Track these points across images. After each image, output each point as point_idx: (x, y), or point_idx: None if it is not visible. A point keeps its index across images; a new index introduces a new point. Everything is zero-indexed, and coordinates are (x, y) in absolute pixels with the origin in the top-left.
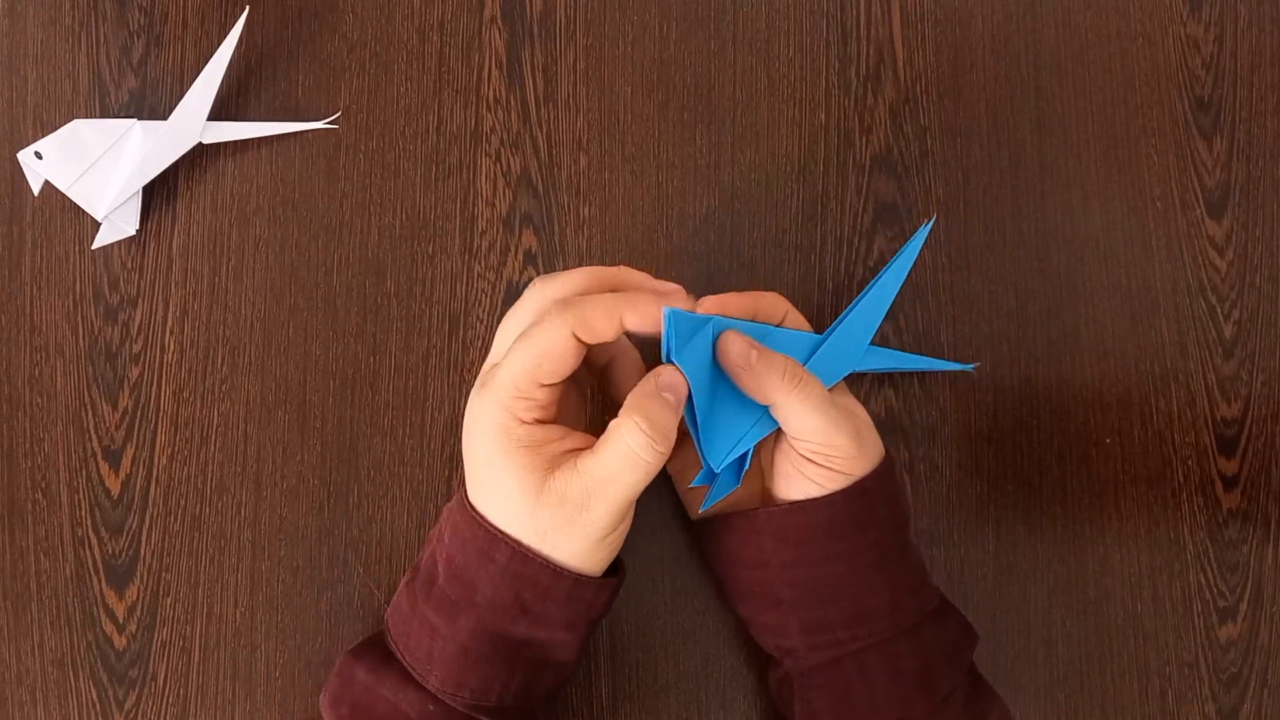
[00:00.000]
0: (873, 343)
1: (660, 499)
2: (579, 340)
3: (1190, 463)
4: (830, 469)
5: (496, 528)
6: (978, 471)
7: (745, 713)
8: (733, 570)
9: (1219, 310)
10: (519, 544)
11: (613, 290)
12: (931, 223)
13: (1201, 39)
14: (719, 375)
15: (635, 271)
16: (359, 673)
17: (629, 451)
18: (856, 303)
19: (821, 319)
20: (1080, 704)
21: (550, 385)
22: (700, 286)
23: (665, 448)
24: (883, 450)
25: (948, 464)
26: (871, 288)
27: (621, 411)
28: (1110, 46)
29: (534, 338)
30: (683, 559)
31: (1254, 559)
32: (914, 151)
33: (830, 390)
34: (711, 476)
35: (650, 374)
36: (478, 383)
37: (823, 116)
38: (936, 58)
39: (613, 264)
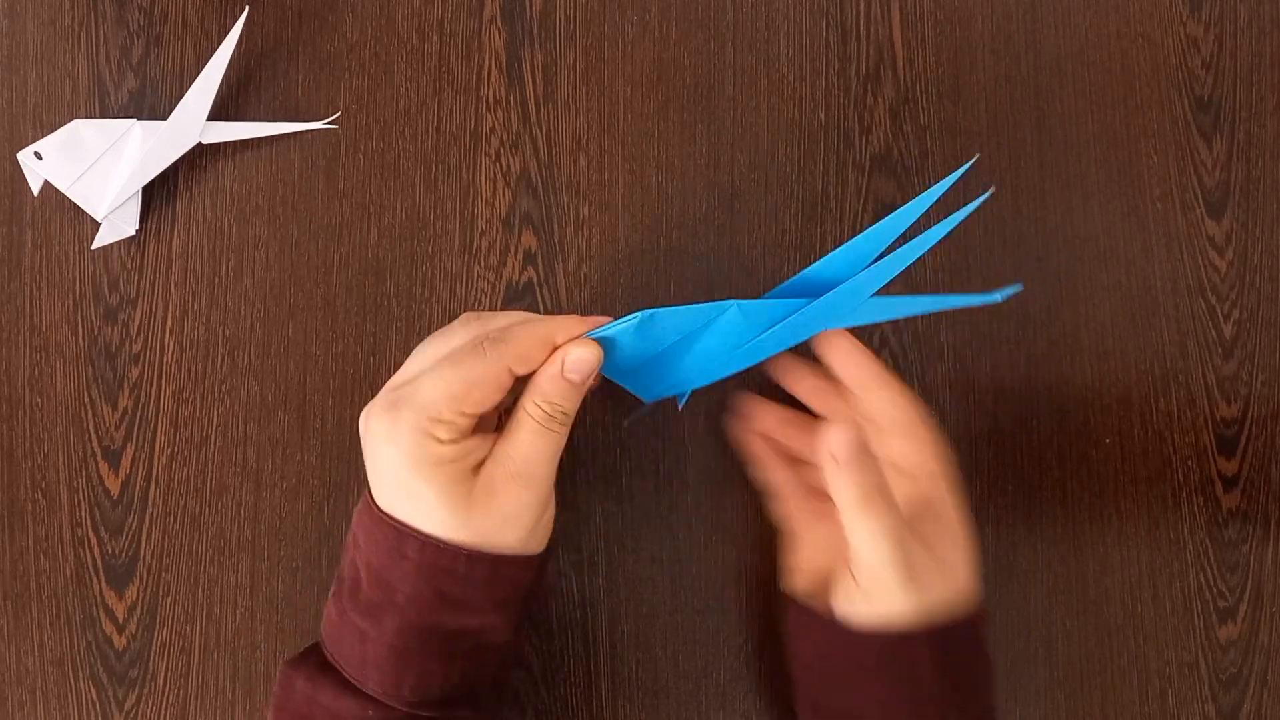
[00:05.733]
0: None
1: (661, 501)
2: (512, 374)
3: (1190, 463)
4: (866, 592)
5: (403, 523)
6: (978, 471)
7: (745, 713)
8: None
9: (1219, 310)
10: (428, 536)
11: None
12: (971, 161)
13: (1201, 39)
14: (674, 343)
15: (570, 317)
16: (298, 682)
17: (537, 427)
18: (859, 248)
19: None
20: (1080, 704)
21: (473, 415)
22: (700, 287)
23: (567, 420)
24: (957, 611)
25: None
26: (888, 226)
27: (526, 393)
28: (1110, 46)
29: (464, 364)
30: (683, 559)
31: (1254, 559)
32: (914, 151)
33: (932, 515)
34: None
35: (557, 353)
36: (385, 399)
37: (823, 116)
38: (936, 58)
39: (613, 264)
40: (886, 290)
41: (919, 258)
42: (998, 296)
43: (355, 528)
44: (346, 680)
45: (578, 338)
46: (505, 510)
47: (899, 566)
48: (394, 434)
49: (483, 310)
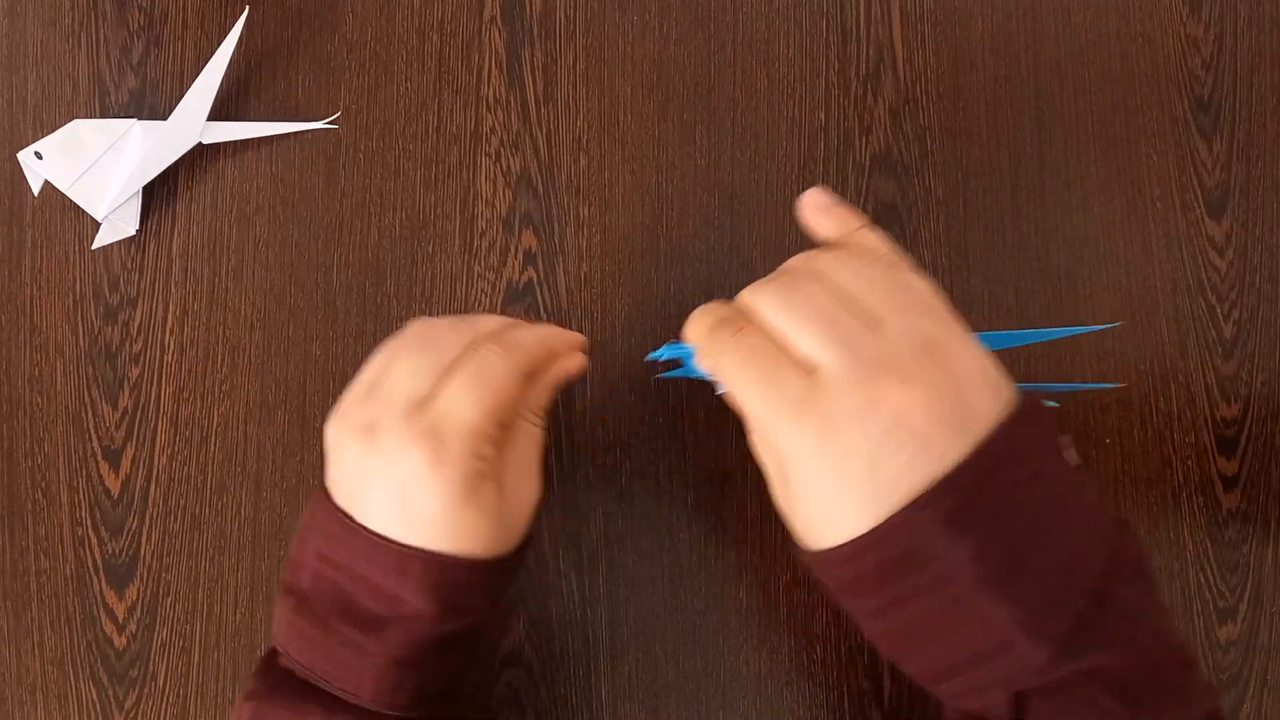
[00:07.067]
0: None
1: (661, 501)
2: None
3: (1190, 463)
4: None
5: (407, 546)
6: None
7: (745, 713)
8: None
9: (1219, 310)
10: (435, 554)
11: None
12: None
13: (1201, 39)
14: None
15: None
16: (278, 712)
17: (533, 429)
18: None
19: None
20: None
21: (505, 422)
22: (700, 286)
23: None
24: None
25: None
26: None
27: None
28: (1110, 46)
29: (489, 375)
30: (682, 559)
31: (1254, 559)
32: (914, 151)
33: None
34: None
35: (554, 368)
36: (414, 427)
37: (823, 116)
38: (936, 58)
39: (613, 264)
40: None
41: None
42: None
43: (324, 545)
44: (332, 700)
45: (576, 355)
46: (528, 511)
47: (767, 399)
48: (440, 464)
49: (431, 316)
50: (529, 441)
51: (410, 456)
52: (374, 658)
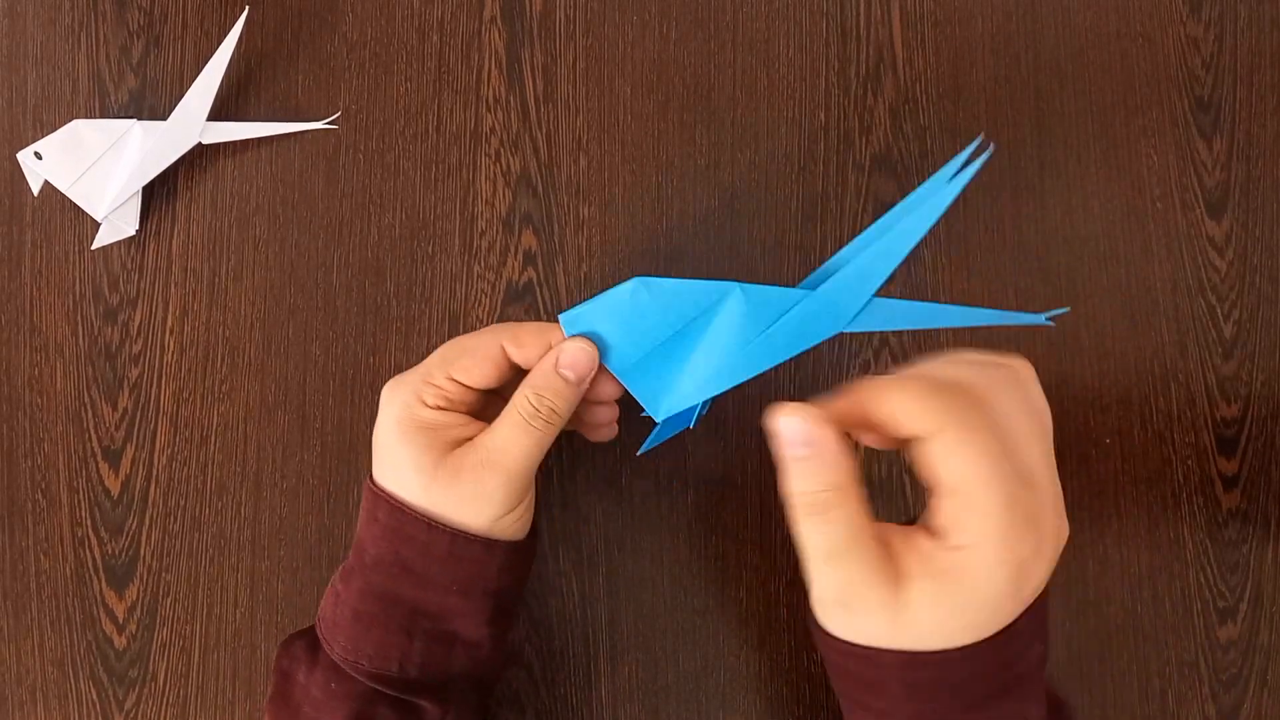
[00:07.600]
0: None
1: (661, 501)
2: (505, 354)
3: (1190, 463)
4: (954, 547)
5: (379, 487)
6: None
7: (745, 712)
8: (848, 688)
9: (1219, 310)
10: (398, 500)
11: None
12: (988, 154)
13: (1201, 39)
14: (678, 332)
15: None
16: (283, 661)
17: (519, 420)
18: (866, 239)
19: None
20: (1080, 704)
21: (462, 384)
22: None
23: (554, 418)
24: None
25: None
26: (891, 220)
27: (520, 387)
28: (1110, 46)
29: (463, 338)
30: (683, 559)
31: (1254, 559)
32: (914, 151)
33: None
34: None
35: (551, 351)
36: (399, 374)
37: (823, 116)
38: (936, 58)
39: (613, 263)
40: (889, 293)
41: (918, 247)
42: (1043, 319)
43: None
44: (319, 657)
45: (574, 336)
46: (465, 492)
47: (990, 475)
48: (391, 398)
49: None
50: (510, 433)
51: (383, 392)
52: (342, 605)
